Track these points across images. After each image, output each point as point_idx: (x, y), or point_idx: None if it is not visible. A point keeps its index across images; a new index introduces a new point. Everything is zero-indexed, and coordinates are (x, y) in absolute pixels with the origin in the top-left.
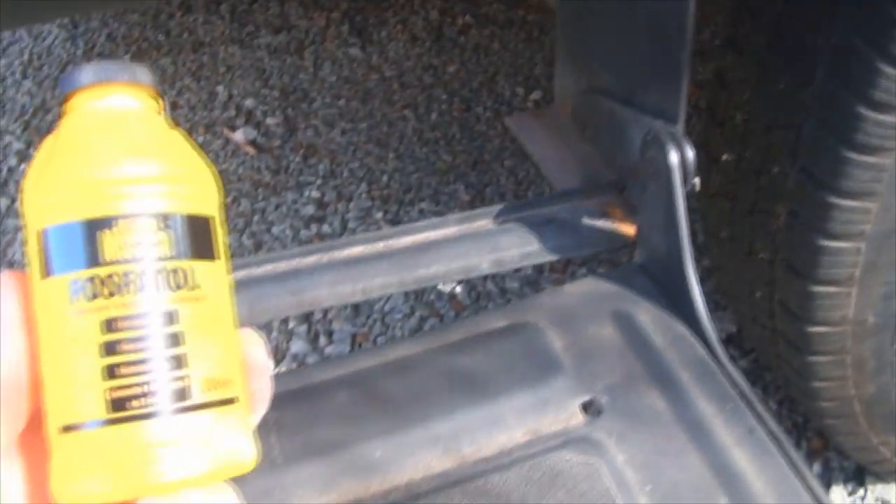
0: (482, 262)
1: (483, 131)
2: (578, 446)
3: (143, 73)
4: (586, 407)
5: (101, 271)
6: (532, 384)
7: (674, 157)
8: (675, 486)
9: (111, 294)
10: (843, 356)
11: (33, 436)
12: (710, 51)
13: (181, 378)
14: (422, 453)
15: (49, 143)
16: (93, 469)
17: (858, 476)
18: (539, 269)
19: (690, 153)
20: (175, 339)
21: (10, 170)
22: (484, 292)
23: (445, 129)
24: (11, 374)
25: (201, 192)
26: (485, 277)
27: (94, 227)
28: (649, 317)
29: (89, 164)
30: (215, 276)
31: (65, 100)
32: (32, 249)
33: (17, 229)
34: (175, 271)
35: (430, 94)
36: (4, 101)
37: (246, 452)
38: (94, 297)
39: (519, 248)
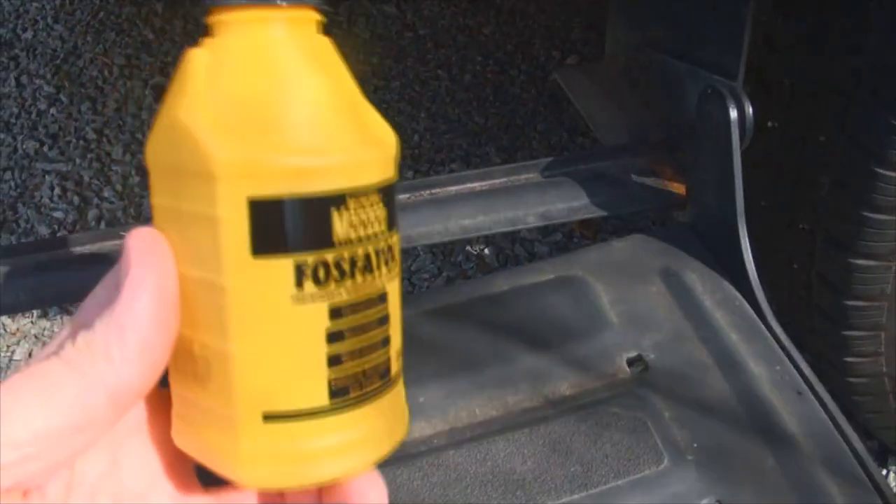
0: (528, 214)
1: (517, 94)
2: (625, 401)
3: None
4: (633, 362)
5: (332, 254)
6: (578, 337)
7: (733, 113)
8: (722, 444)
9: (340, 279)
10: (879, 332)
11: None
12: (759, 14)
13: (387, 357)
14: (465, 401)
15: (225, 78)
16: (305, 455)
17: (881, 457)
18: (569, 234)
19: (750, 109)
20: (385, 321)
21: (40, 113)
22: (512, 255)
23: (479, 90)
24: (161, 350)
25: (395, 149)
26: (513, 241)
27: (329, 204)
28: (698, 276)
29: (314, 128)
30: (399, 245)
31: (219, 11)
32: (234, 216)
33: (45, 173)
34: (388, 248)
35: (465, 54)
36: (35, 45)
37: (408, 412)
38: (324, 281)
39: (566, 202)
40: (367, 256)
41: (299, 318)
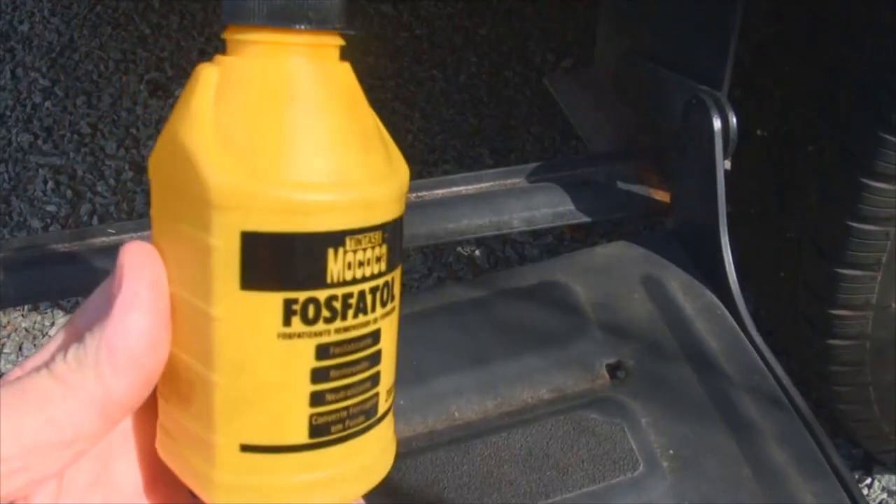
0: (513, 219)
1: (511, 96)
2: (603, 407)
3: (337, 10)
4: (612, 369)
5: (324, 294)
6: (559, 343)
7: (717, 123)
8: (698, 452)
9: (330, 318)
10: (863, 341)
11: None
12: (751, 23)
13: (373, 396)
14: (445, 404)
15: (234, 103)
16: (278, 489)
17: (866, 465)
18: (559, 237)
19: (734, 120)
20: (375, 359)
21: (35, 106)
22: (503, 258)
23: (473, 91)
24: (151, 368)
25: (405, 184)
26: (504, 243)
27: (325, 243)
28: (679, 284)
29: (314, 161)
30: (400, 278)
31: (235, 29)
32: (227, 247)
33: (39, 166)
34: (385, 286)
35: (460, 55)
36: (32, 38)
37: (394, 448)
38: (313, 320)
39: (551, 207)
40: (362, 296)
41: (284, 355)
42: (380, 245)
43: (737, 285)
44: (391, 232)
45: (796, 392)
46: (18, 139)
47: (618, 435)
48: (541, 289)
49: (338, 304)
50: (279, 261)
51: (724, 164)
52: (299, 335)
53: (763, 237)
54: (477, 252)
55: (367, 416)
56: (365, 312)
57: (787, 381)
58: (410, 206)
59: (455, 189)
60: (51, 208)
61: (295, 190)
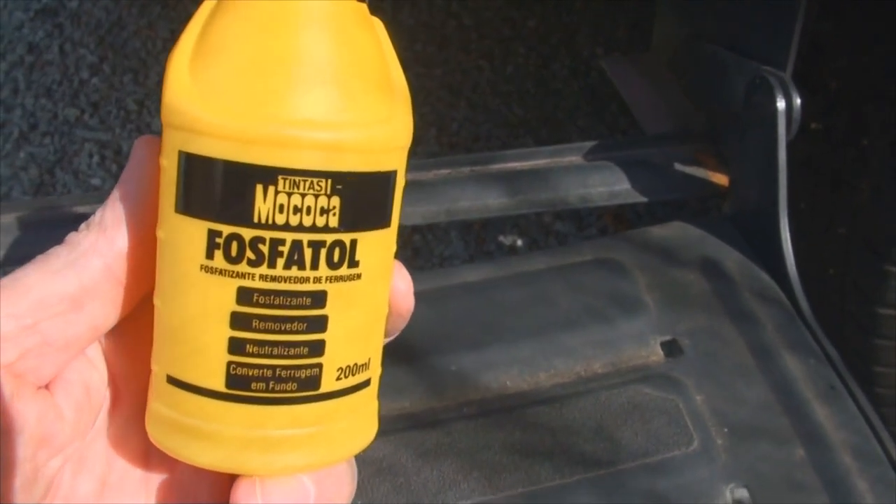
0: (569, 196)
1: (559, 89)
2: (657, 383)
3: None
4: (667, 346)
5: (249, 232)
6: (613, 319)
7: (781, 103)
8: (752, 432)
9: (256, 262)
10: None
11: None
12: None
13: (314, 367)
14: (496, 373)
15: (215, 26)
16: (194, 433)
17: None
18: (603, 229)
19: (798, 100)
20: (318, 325)
21: (82, 82)
22: (545, 247)
23: (520, 82)
24: (112, 267)
25: (394, 137)
26: (547, 234)
27: (253, 177)
28: (736, 266)
29: (265, 91)
30: (381, 246)
31: None
32: (170, 166)
33: (85, 140)
34: (336, 246)
35: (508, 46)
36: (80, 15)
37: (362, 437)
38: (236, 259)
39: (608, 186)
40: (297, 246)
41: (205, 290)
42: (327, 195)
43: (794, 269)
44: (350, 187)
45: (850, 377)
46: (64, 113)
47: (672, 410)
48: (596, 265)
49: (265, 248)
50: (207, 187)
51: (788, 141)
52: (220, 272)
53: (813, 233)
54: (519, 242)
55: (301, 386)
56: (301, 267)
57: (842, 366)
58: (465, 180)
59: (510, 165)
60: (95, 182)
61: (228, 115)
